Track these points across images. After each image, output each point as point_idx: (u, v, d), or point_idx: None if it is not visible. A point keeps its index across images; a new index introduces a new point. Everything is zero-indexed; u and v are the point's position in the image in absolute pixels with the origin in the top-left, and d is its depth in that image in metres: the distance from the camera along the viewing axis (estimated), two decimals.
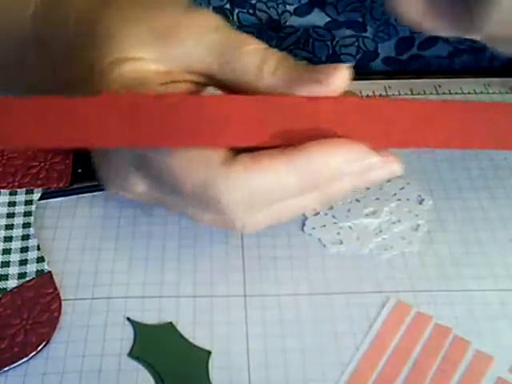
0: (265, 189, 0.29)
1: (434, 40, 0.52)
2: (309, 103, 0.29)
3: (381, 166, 0.30)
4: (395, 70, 0.54)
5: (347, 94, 0.30)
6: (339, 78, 0.29)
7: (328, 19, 0.51)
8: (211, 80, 0.32)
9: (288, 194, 0.30)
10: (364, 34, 0.52)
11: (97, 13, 0.33)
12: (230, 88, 0.32)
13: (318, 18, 0.51)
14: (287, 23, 0.51)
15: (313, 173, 0.28)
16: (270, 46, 0.31)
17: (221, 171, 0.28)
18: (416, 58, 0.53)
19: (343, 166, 0.29)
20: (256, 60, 0.30)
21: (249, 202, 0.29)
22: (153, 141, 0.28)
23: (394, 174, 0.31)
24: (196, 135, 0.28)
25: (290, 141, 0.29)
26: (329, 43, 0.52)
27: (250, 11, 0.51)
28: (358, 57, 0.53)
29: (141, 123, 0.28)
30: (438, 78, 0.50)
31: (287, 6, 0.50)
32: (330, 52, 0.53)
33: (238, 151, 0.29)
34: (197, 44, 0.31)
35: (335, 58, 0.53)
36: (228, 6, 0.50)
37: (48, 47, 0.36)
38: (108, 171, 0.34)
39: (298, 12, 0.50)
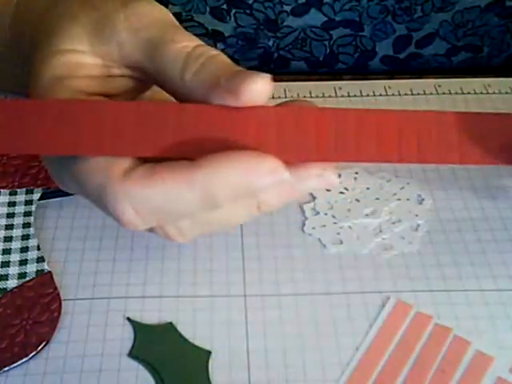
0: (163, 204, 0.27)
1: (431, 37, 0.52)
2: (221, 112, 0.27)
3: (313, 175, 0.28)
4: (394, 69, 0.54)
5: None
6: (253, 89, 0.26)
7: (325, 19, 0.51)
8: (145, 76, 0.31)
9: (192, 211, 0.28)
10: (361, 33, 0.52)
11: (49, 9, 0.33)
12: (161, 86, 0.30)
13: (315, 18, 0.51)
14: (284, 23, 0.51)
15: (213, 189, 0.26)
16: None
17: (119, 178, 0.27)
18: (414, 57, 0.53)
19: (251, 180, 0.26)
20: (180, 60, 0.29)
21: (149, 216, 0.28)
22: (44, 148, 0.27)
23: (329, 184, 0.28)
24: (85, 142, 0.27)
25: (195, 152, 0.27)
26: (326, 43, 0.52)
27: (247, 11, 0.51)
28: (355, 56, 0.53)
29: (31, 130, 0.27)
30: (438, 78, 0.50)
31: (284, 6, 0.50)
32: (328, 51, 0.53)
33: (144, 160, 0.28)
34: (129, 37, 0.30)
35: (333, 58, 0.54)
36: (225, 6, 0.50)
37: (20, 43, 0.37)
38: (51, 171, 0.34)
39: (295, 12, 0.50)
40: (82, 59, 0.31)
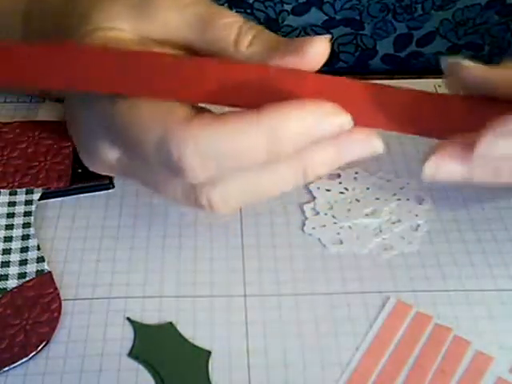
0: (229, 148, 0.27)
1: (432, 36, 0.52)
2: (279, 72, 0.28)
3: (358, 140, 0.28)
4: (394, 69, 0.54)
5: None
6: (315, 49, 0.28)
7: (325, 17, 0.51)
8: (188, 52, 0.31)
9: (255, 159, 0.28)
10: (362, 32, 0.52)
11: None
12: None
13: (315, 17, 0.51)
14: (285, 22, 0.51)
15: (283, 133, 0.27)
16: None
17: (182, 123, 0.27)
18: (415, 56, 0.53)
19: (315, 123, 0.27)
20: (232, 33, 0.30)
21: (212, 162, 0.27)
22: (113, 87, 0.29)
23: (374, 149, 0.29)
24: (156, 86, 0.28)
25: (254, 104, 0.27)
26: None
27: (248, 11, 0.51)
28: (356, 54, 0.53)
29: (105, 69, 0.29)
30: (438, 77, 0.50)
31: (285, 6, 0.50)
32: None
33: (200, 111, 0.29)
34: (174, 16, 0.31)
35: (333, 57, 0.54)
36: (226, 5, 0.50)
37: (36, 20, 0.37)
38: (80, 141, 0.34)
39: (295, 11, 0.50)
40: (121, 36, 0.31)
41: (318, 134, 0.27)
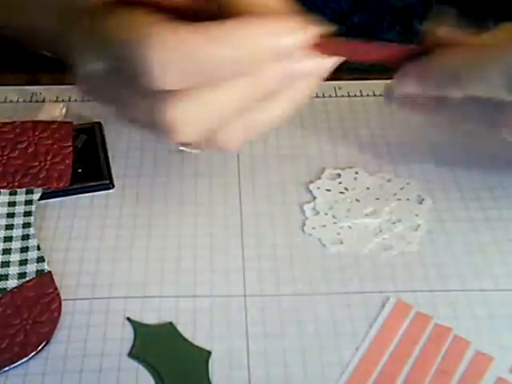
0: (197, 56, 0.26)
1: None
2: None
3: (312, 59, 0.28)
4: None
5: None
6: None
7: None
8: None
9: (222, 71, 0.27)
10: None
11: None
12: None
13: None
14: None
15: (248, 44, 0.26)
16: None
17: (153, 26, 0.26)
18: None
19: (277, 38, 0.26)
20: None
21: (181, 73, 0.27)
22: None
23: (322, 68, 0.29)
24: None
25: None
26: None
27: None
28: None
29: None
30: None
31: None
32: None
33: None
34: None
35: None
36: None
37: None
38: (71, 53, 0.33)
39: None
40: None
41: (281, 49, 0.27)
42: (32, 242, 0.38)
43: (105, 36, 0.29)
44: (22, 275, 0.36)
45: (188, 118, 0.28)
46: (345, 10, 0.51)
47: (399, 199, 0.41)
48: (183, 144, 0.31)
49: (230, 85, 0.28)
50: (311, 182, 0.42)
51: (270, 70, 0.28)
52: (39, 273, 0.36)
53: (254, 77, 0.28)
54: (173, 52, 0.26)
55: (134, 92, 0.29)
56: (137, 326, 0.35)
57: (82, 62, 0.31)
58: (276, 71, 0.29)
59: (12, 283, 0.36)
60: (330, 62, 0.29)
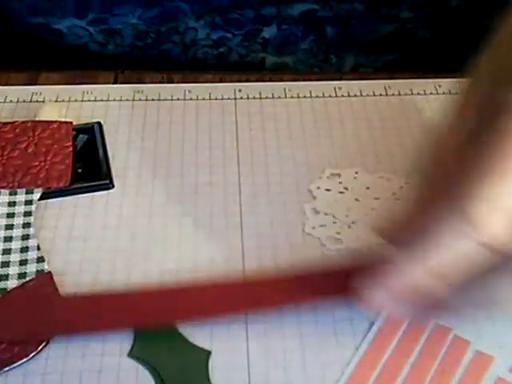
0: None
1: None
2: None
3: None
4: None
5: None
6: None
7: None
8: None
9: None
10: None
11: None
12: None
13: None
14: None
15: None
16: None
17: None
18: None
19: None
20: None
21: None
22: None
23: None
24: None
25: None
26: None
27: None
28: None
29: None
30: (439, 77, 0.50)
31: None
32: None
33: None
34: None
35: None
36: None
37: None
38: None
39: None
40: None
41: None
42: (32, 242, 0.38)
43: None
44: (21, 275, 0.36)
45: None
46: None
47: (399, 199, 0.41)
48: None
49: None
50: (311, 181, 0.42)
51: None
52: (39, 273, 0.36)
53: None
54: None
55: None
56: None
57: None
58: None
59: (12, 283, 0.36)
60: None
